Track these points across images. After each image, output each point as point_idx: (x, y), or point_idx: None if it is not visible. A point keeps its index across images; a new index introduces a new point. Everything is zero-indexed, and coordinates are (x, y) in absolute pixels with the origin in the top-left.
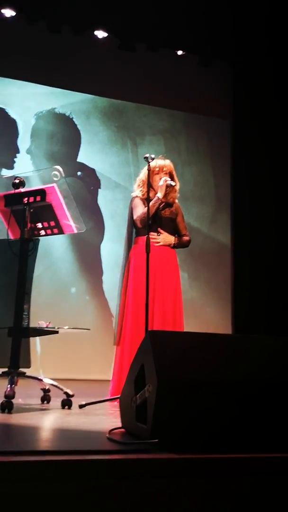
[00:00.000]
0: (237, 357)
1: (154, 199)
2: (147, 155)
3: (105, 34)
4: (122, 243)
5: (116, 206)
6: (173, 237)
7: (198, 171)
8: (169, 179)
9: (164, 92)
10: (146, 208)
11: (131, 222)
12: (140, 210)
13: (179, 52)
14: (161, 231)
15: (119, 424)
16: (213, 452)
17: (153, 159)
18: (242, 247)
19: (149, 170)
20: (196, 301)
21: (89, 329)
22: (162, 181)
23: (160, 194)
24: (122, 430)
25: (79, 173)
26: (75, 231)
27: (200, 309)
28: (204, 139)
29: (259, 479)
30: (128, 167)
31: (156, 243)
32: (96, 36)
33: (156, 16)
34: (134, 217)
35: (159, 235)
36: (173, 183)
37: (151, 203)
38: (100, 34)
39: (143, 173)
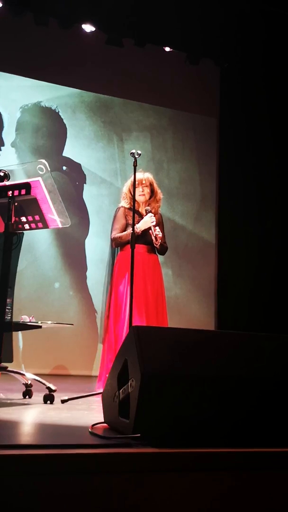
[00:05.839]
0: (220, 352)
1: (133, 231)
2: (134, 151)
3: (93, 29)
4: (107, 239)
5: (102, 202)
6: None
7: (183, 168)
8: (158, 228)
9: (151, 88)
10: (122, 234)
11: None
12: (117, 227)
13: (167, 49)
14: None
15: (102, 419)
16: (196, 447)
17: (139, 155)
18: (226, 245)
19: (135, 166)
20: (180, 298)
21: (72, 324)
22: (148, 217)
23: (140, 226)
24: (105, 425)
25: (64, 167)
26: (60, 225)
27: (184, 306)
28: (191, 137)
29: (241, 474)
30: (114, 163)
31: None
32: (83, 30)
33: (144, 11)
34: (111, 234)
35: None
36: (159, 234)
37: (126, 233)
38: (88, 28)
39: (126, 186)
